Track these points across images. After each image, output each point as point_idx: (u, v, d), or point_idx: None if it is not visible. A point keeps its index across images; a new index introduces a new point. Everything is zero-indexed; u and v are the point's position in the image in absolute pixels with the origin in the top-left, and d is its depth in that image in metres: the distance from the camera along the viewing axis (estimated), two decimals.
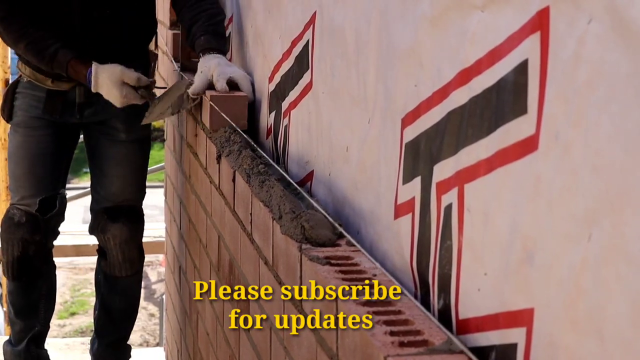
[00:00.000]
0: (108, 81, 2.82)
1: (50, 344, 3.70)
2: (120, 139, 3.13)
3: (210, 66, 2.61)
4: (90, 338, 3.56)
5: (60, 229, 3.24)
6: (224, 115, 2.37)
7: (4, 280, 3.28)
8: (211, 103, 2.43)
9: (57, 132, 3.08)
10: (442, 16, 1.27)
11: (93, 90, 2.84)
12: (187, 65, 3.37)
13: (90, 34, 2.94)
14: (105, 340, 3.36)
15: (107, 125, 3.12)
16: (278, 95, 2.26)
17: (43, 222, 3.09)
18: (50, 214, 3.10)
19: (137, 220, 3.19)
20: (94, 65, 2.84)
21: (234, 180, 2.09)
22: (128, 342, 3.44)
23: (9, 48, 7.02)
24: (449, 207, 1.23)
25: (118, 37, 3.00)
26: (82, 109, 3.06)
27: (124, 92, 2.83)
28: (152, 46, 3.64)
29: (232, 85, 2.53)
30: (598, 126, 0.89)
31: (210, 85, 2.56)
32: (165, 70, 3.87)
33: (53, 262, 3.27)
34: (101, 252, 3.24)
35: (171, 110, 2.79)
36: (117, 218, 3.12)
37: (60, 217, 3.17)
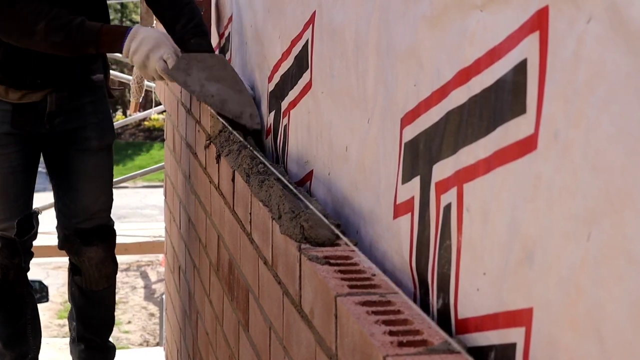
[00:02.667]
0: (151, 30, 2.55)
1: (50, 344, 3.70)
2: (91, 147, 2.97)
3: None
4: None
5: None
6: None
7: None
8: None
9: (26, 148, 2.92)
10: (442, 16, 1.27)
11: (125, 48, 2.55)
12: None
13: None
14: (87, 344, 3.27)
15: (78, 134, 2.94)
16: (277, 95, 2.26)
17: (20, 245, 2.95)
18: (28, 235, 2.96)
19: (109, 238, 3.07)
20: (138, 25, 2.62)
21: (233, 180, 2.09)
22: (111, 341, 3.37)
23: None
24: (448, 207, 1.23)
25: None
26: (51, 118, 2.89)
27: (162, 36, 2.56)
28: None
29: None
30: (598, 126, 0.89)
31: None
32: None
33: (29, 282, 3.16)
34: (74, 268, 3.12)
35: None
36: (91, 241, 3.00)
37: (34, 236, 3.04)
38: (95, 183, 2.99)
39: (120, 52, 2.60)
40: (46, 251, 5.96)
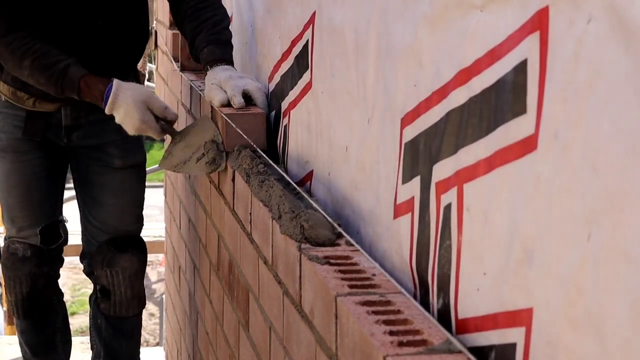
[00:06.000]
0: (131, 100, 2.39)
1: None
2: (115, 165, 2.80)
3: (221, 79, 2.37)
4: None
5: None
6: (241, 134, 2.18)
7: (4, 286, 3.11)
8: (227, 119, 2.22)
9: (48, 154, 2.78)
10: (442, 16, 1.27)
11: (107, 111, 2.43)
12: (187, 65, 3.37)
13: (80, 47, 2.60)
14: None
15: (100, 150, 2.77)
16: (278, 95, 2.26)
17: (48, 253, 2.85)
18: (55, 244, 2.86)
19: (143, 249, 2.89)
20: (116, 82, 2.44)
21: (233, 180, 2.09)
22: None
23: None
24: (448, 207, 1.23)
25: (110, 51, 2.68)
26: (69, 132, 2.75)
27: (145, 117, 2.39)
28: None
29: (246, 98, 2.32)
30: (597, 126, 0.89)
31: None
32: (165, 71, 3.87)
33: (60, 289, 3.04)
34: (102, 292, 2.88)
35: (198, 167, 2.37)
36: (125, 248, 2.82)
37: (64, 243, 2.93)
38: (120, 201, 2.82)
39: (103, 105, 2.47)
40: None
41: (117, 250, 2.82)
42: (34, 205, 2.81)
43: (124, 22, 2.70)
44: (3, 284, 3.05)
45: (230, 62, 2.50)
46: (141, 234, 2.98)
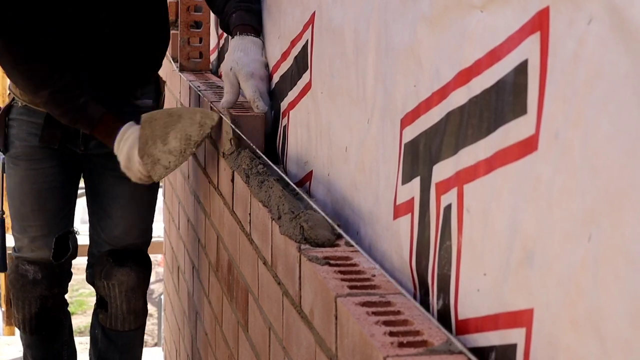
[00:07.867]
0: (132, 141, 2.43)
1: None
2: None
3: (241, 71, 2.26)
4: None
5: None
6: (240, 134, 2.16)
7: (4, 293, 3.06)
8: (226, 121, 2.21)
9: (64, 164, 2.75)
10: (442, 16, 1.27)
11: (115, 149, 2.47)
12: (186, 66, 3.37)
13: (99, 53, 2.60)
14: None
15: (114, 159, 2.62)
16: (277, 95, 2.26)
17: (58, 269, 2.81)
18: (64, 257, 2.81)
19: (145, 265, 2.84)
20: (131, 123, 2.47)
21: (232, 180, 2.09)
22: None
23: None
24: (448, 208, 1.23)
25: (129, 56, 2.66)
26: (86, 140, 2.71)
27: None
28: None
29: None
30: (597, 126, 0.89)
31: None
32: (164, 71, 3.86)
33: (66, 300, 2.99)
34: (100, 302, 2.87)
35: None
36: (124, 262, 2.78)
37: (73, 256, 2.88)
38: (129, 213, 2.78)
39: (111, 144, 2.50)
40: None
41: (116, 263, 2.78)
42: (48, 215, 2.76)
43: (137, 24, 2.65)
44: (3, 291, 3.01)
45: (258, 31, 2.39)
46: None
